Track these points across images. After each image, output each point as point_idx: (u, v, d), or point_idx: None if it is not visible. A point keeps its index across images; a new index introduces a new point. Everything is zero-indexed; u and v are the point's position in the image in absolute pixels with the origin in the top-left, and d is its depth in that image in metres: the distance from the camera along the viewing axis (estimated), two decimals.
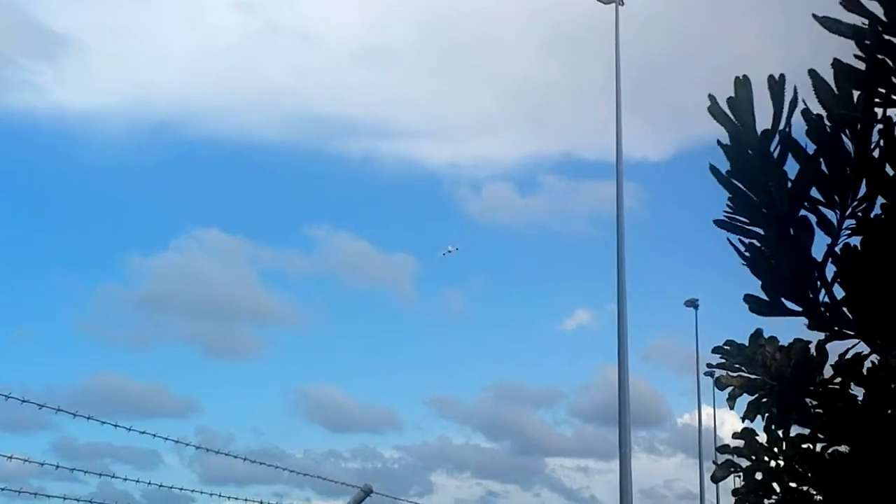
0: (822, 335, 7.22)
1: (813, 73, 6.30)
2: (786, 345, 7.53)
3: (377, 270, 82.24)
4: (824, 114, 6.30)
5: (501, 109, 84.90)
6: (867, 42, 6.17)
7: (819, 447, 7.22)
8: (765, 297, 6.40)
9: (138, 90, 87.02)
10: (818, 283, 6.30)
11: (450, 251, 72.85)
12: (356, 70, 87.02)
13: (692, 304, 57.33)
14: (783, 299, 6.38)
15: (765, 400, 7.52)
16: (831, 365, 7.36)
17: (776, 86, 6.35)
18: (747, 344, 7.57)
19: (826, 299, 6.32)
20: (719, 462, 7.64)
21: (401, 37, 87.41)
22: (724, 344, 7.62)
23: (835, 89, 6.25)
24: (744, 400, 7.66)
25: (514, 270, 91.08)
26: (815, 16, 6.24)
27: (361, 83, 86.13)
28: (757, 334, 7.54)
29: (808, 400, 7.40)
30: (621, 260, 30.64)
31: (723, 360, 7.66)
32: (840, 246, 6.31)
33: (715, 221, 6.45)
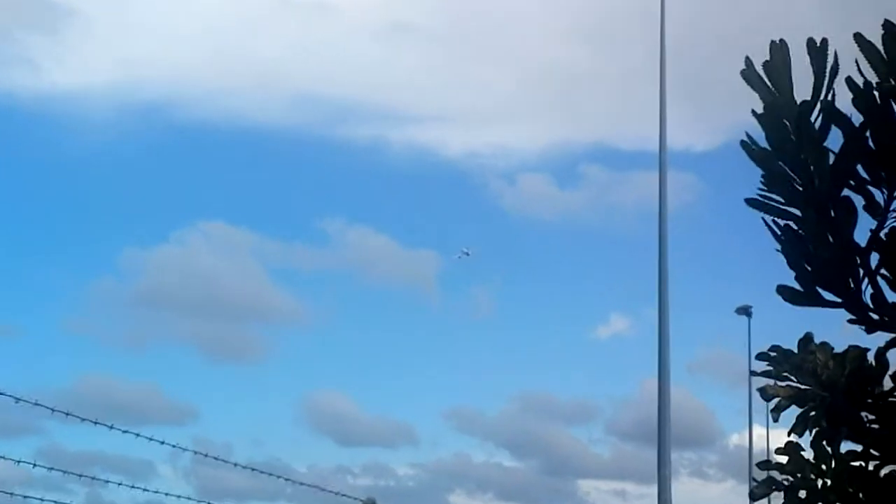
0: (882, 343, 6.48)
1: (859, 38, 5.61)
2: (840, 352, 6.76)
3: (396, 268, 74.59)
4: (874, 81, 5.60)
5: (525, 94, 77.47)
6: None
7: (872, 465, 6.42)
8: (799, 287, 5.69)
9: (131, 68, 77.68)
10: (860, 270, 5.56)
11: (465, 253, 66.20)
12: (369, 48, 78.48)
13: (744, 311, 51.90)
14: (820, 289, 5.65)
15: (814, 413, 6.74)
16: (890, 375, 6.57)
17: (817, 50, 5.67)
18: (796, 350, 6.81)
19: (870, 289, 5.58)
20: (760, 479, 6.87)
21: (419, 12, 76.65)
22: (770, 350, 6.88)
23: (884, 54, 5.55)
24: (791, 413, 6.90)
25: (548, 270, 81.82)
26: None
27: (372, 62, 77.41)
28: (807, 339, 6.78)
29: (862, 414, 6.61)
30: (663, 259, 27.59)
31: (769, 368, 6.91)
32: (886, 230, 5.57)
33: (747, 200, 5.77)
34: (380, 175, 80.00)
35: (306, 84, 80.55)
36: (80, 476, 6.48)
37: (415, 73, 78.38)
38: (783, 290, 5.72)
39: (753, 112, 5.76)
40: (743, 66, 5.71)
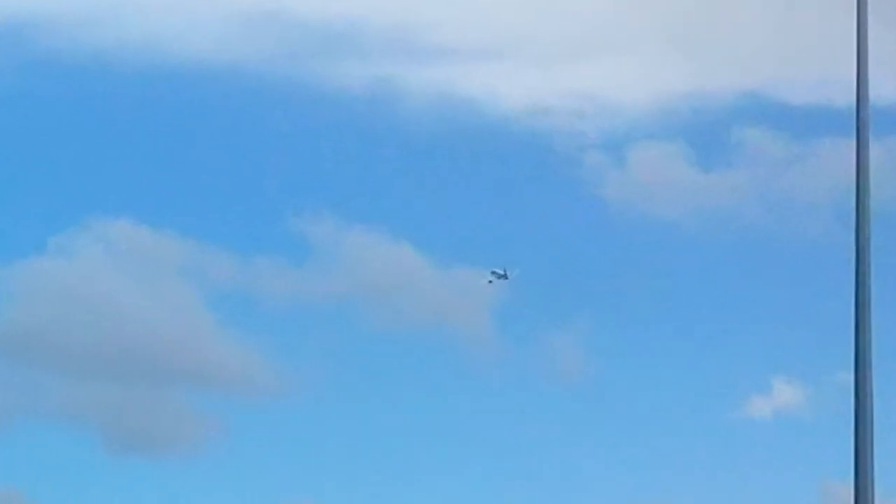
0: None
1: None
2: None
3: (423, 298, 47.52)
4: None
5: (633, 13, 50.74)
6: None
7: None
8: None
9: None
10: None
11: (500, 276, 44.37)
12: None
13: None
14: None
15: None
16: None
17: None
18: None
19: None
20: None
21: None
22: None
23: None
24: None
25: (674, 304, 52.54)
26: None
27: None
28: None
29: None
30: (864, 287, 17.11)
31: None
32: None
33: None
34: (390, 143, 49.89)
35: (271, 3, 50.76)
36: None
37: None
38: None
39: None
40: None
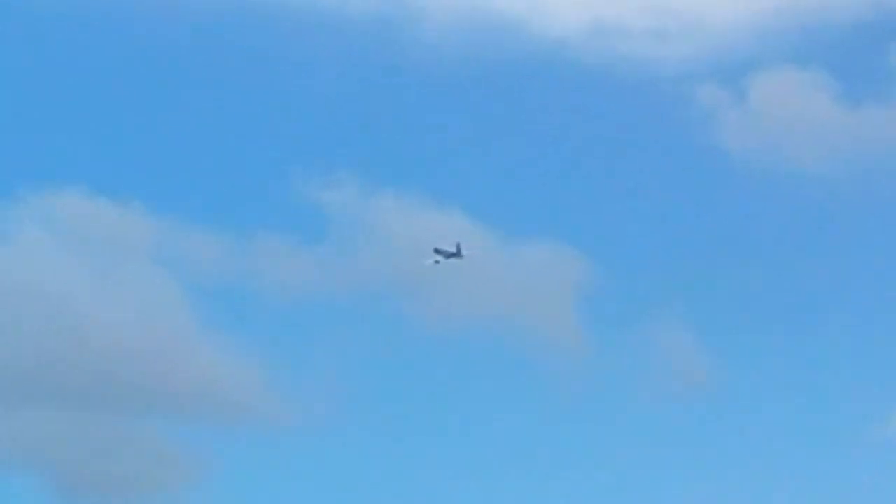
0: None
1: None
2: None
3: (484, 284, 35.39)
4: None
5: None
6: None
7: None
8: None
9: None
10: None
11: (452, 254, 37.96)
12: None
13: None
14: None
15: None
16: None
17: None
18: None
19: None
20: None
21: None
22: None
23: None
24: None
25: (803, 288, 41.57)
26: None
27: None
28: None
29: None
30: None
31: None
32: None
33: None
34: (417, 78, 38.57)
35: None
36: None
37: None
38: None
39: None
40: None
